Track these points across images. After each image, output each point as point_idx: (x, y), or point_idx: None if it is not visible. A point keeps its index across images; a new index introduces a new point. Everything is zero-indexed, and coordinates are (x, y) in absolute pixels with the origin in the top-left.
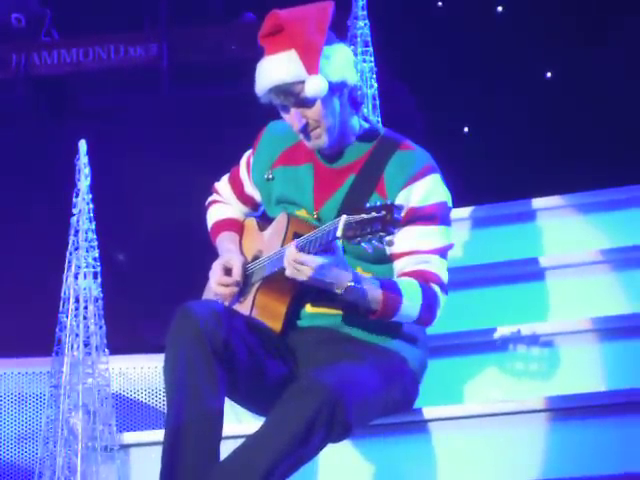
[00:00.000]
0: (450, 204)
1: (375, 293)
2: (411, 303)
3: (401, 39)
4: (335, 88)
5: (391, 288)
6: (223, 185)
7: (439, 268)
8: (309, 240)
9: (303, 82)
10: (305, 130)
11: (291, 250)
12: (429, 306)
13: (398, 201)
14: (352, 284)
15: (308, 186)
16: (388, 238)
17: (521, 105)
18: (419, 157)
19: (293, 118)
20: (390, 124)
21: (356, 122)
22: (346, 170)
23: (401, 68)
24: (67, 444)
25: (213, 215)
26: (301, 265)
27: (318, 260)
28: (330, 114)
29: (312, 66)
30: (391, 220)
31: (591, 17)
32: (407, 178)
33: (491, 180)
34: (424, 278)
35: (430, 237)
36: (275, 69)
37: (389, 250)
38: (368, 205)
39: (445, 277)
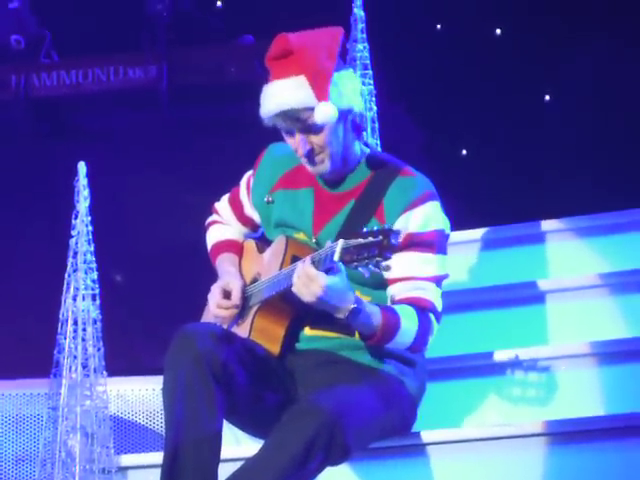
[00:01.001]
0: (448, 232)
1: (375, 318)
2: (408, 330)
3: (400, 62)
4: (342, 115)
5: (390, 314)
6: (223, 206)
7: (434, 296)
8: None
9: (312, 109)
10: (309, 156)
11: (306, 265)
12: (423, 334)
13: (397, 226)
14: (354, 306)
15: (308, 210)
16: (385, 263)
17: (519, 127)
18: (419, 183)
19: (298, 143)
20: (389, 147)
21: (357, 147)
22: (346, 195)
23: (400, 91)
24: (65, 466)
25: (213, 236)
26: (311, 282)
27: (328, 280)
28: (335, 140)
29: (322, 93)
30: (388, 245)
31: (594, 39)
32: (406, 204)
33: (488, 203)
34: (420, 306)
35: (427, 264)
36: (284, 94)
37: (386, 275)
38: (365, 229)
39: (440, 306)
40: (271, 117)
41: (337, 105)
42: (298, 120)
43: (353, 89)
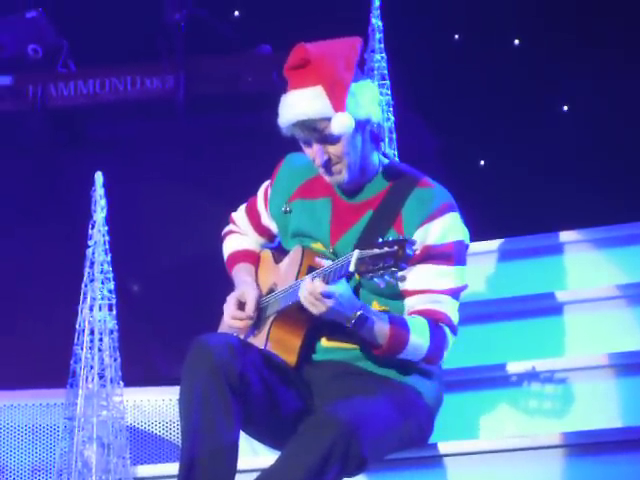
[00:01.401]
0: (467, 242)
1: (382, 327)
2: (419, 341)
3: (418, 72)
4: (359, 125)
5: (399, 324)
6: (240, 215)
7: (450, 309)
8: (323, 274)
9: (329, 119)
10: (327, 166)
11: (316, 284)
12: (437, 346)
13: (415, 238)
14: (361, 312)
15: (325, 220)
16: (400, 273)
17: (537, 138)
18: (438, 195)
19: (315, 153)
20: (406, 157)
21: (376, 158)
22: (364, 206)
23: (418, 101)
24: (81, 477)
25: (229, 246)
26: (322, 298)
27: (331, 288)
28: (352, 150)
29: (339, 103)
30: (403, 255)
31: (611, 50)
32: (425, 216)
33: (506, 214)
34: (434, 318)
35: (444, 277)
36: (301, 104)
37: (401, 286)
38: (381, 240)
39: (455, 318)
40: (289, 127)
41: (354, 115)
42: (315, 130)
43: (371, 99)
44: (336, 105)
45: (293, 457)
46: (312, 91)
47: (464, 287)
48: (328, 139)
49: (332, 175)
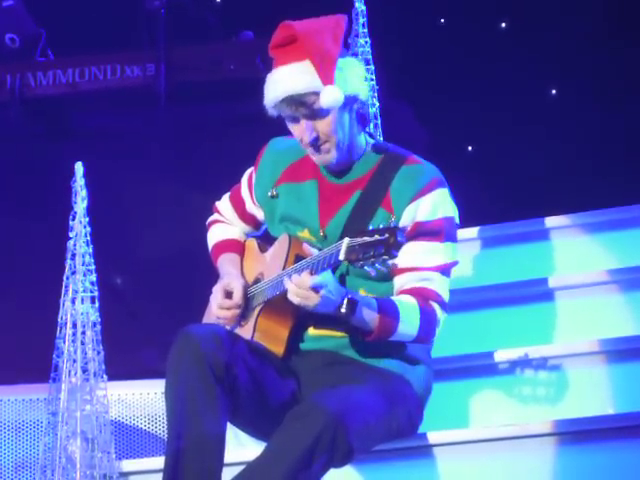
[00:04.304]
0: (457, 220)
1: (371, 311)
2: (408, 322)
3: (402, 56)
4: (347, 101)
5: (388, 307)
6: (224, 204)
7: (440, 286)
8: (311, 264)
9: (317, 93)
10: (315, 144)
11: (304, 278)
12: (428, 325)
13: (405, 216)
14: (350, 296)
15: (313, 203)
16: (391, 261)
17: (525, 122)
18: (426, 171)
19: (303, 130)
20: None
21: (363, 139)
22: (352, 186)
23: (402, 86)
24: (65, 472)
25: (214, 236)
26: (312, 290)
27: (319, 279)
28: (340, 128)
29: (328, 76)
30: (394, 243)
31: (597, 32)
32: (414, 192)
33: (495, 199)
34: (423, 296)
35: (434, 254)
36: (288, 79)
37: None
38: (371, 227)
39: (446, 295)
40: (276, 104)
41: (343, 90)
42: (303, 105)
43: (358, 76)
44: (324, 78)
45: (279, 448)
46: (299, 66)
47: (455, 263)
48: (317, 114)
49: (320, 154)
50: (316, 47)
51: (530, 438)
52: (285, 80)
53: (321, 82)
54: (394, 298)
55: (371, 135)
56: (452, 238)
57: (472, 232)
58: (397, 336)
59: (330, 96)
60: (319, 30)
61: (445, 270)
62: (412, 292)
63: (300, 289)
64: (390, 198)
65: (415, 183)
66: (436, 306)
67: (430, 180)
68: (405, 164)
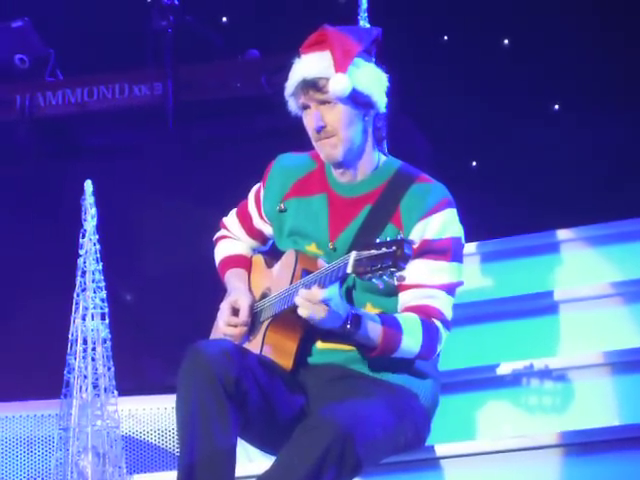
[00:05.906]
0: (463, 241)
1: (375, 326)
2: (411, 339)
3: (407, 73)
4: (359, 98)
5: (391, 324)
6: (231, 220)
7: (444, 304)
8: (319, 278)
9: (328, 79)
10: (321, 133)
11: (314, 292)
12: (430, 342)
13: (414, 233)
14: (353, 311)
15: (323, 216)
16: (399, 273)
17: (529, 137)
18: (437, 190)
19: (312, 118)
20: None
21: (376, 155)
22: (362, 200)
23: (407, 102)
24: None
25: (221, 251)
26: (321, 304)
27: (327, 292)
28: (349, 125)
29: (341, 65)
30: (402, 255)
31: (599, 49)
32: (425, 210)
33: (499, 214)
34: (427, 313)
35: (440, 273)
36: (306, 65)
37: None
38: (379, 240)
39: (449, 314)
40: (294, 91)
41: (354, 83)
42: (315, 89)
43: (377, 81)
44: (337, 67)
45: (288, 462)
46: (319, 54)
47: (460, 283)
48: (326, 101)
49: (326, 148)
50: (339, 40)
51: (537, 450)
52: (303, 66)
53: (334, 69)
54: (398, 316)
55: (385, 153)
56: (458, 259)
57: (478, 246)
58: (400, 352)
59: (338, 83)
60: (348, 30)
61: (450, 289)
62: (416, 309)
63: (310, 302)
64: (400, 214)
65: (426, 201)
66: (439, 324)
67: (440, 200)
68: (416, 182)
